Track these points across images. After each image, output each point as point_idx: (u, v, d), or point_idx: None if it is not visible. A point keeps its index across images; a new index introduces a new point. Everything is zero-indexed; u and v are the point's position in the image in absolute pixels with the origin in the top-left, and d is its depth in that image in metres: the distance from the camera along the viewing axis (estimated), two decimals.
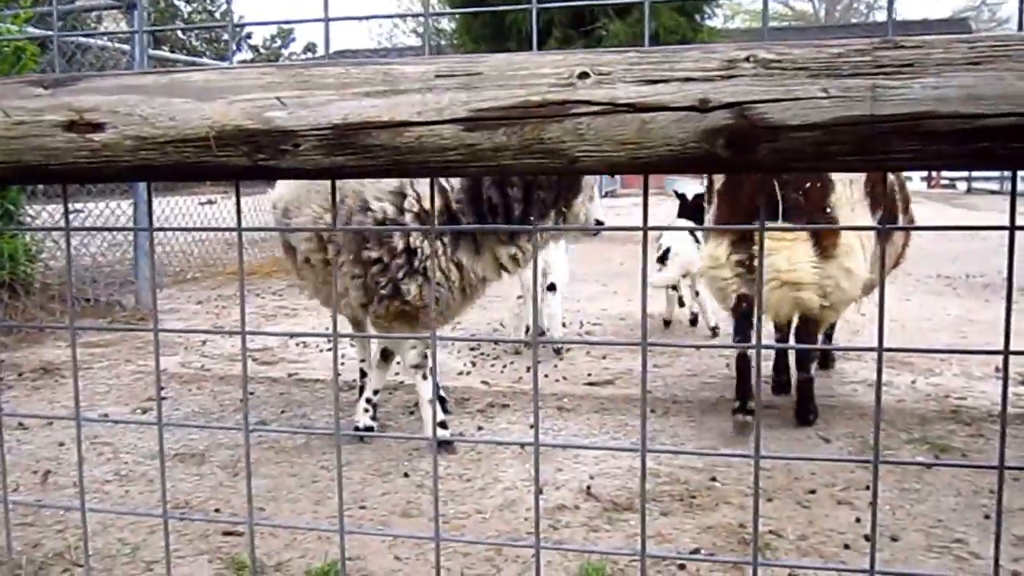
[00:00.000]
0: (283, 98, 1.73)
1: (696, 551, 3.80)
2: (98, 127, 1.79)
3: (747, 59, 1.59)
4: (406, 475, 4.68)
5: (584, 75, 1.63)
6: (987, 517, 4.16)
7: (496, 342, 6.93)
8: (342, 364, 7.08)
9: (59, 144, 1.81)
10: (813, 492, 4.42)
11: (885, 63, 1.53)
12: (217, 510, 4.29)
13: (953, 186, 37.30)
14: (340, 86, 1.71)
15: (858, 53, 1.55)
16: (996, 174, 36.04)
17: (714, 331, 8.59)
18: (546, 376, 6.80)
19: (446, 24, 23.56)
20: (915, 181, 37.83)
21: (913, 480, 4.56)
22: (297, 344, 8.02)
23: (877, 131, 1.53)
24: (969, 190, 35.06)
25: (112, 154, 1.80)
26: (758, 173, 1.71)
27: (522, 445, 4.41)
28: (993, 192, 34.10)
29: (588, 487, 4.49)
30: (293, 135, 1.72)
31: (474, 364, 7.27)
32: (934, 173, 37.39)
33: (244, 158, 1.75)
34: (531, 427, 5.46)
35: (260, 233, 14.63)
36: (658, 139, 1.61)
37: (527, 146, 1.65)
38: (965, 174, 37.06)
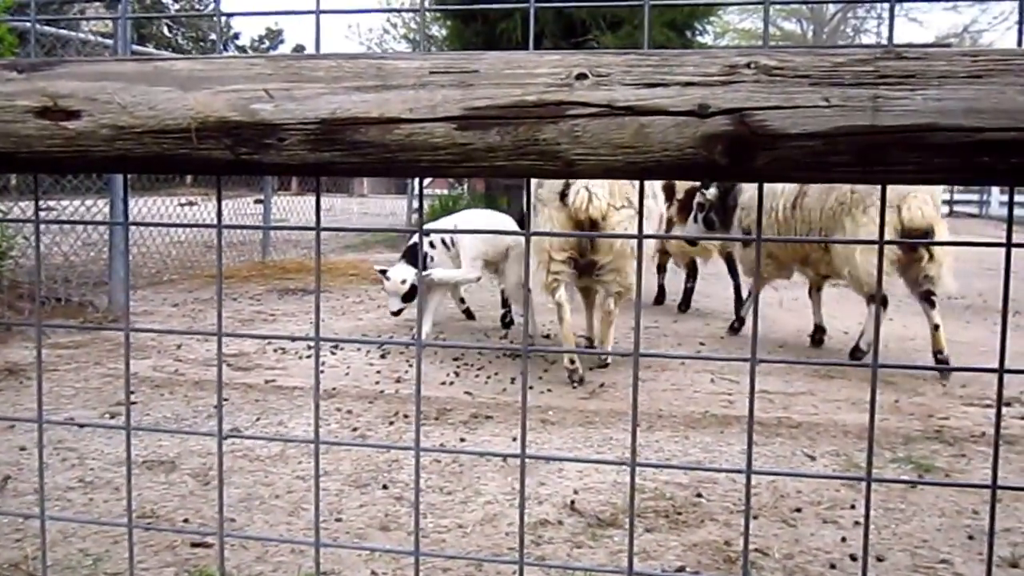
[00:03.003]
0: (270, 90, 1.70)
1: (681, 569, 3.76)
2: (73, 114, 1.76)
3: (748, 65, 1.57)
4: (385, 487, 4.62)
5: (582, 76, 1.61)
6: (971, 538, 4.15)
7: (506, 334, 6.90)
8: (322, 372, 7.04)
9: (31, 131, 1.78)
10: (799, 510, 4.40)
11: (887, 73, 1.52)
12: (186, 520, 4.19)
13: None
14: (330, 79, 1.69)
15: (860, 63, 1.54)
16: (975, 198, 36.21)
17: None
18: (531, 388, 6.76)
19: (437, 31, 23.60)
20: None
21: (897, 500, 4.55)
22: (275, 350, 7.96)
23: (877, 142, 1.52)
24: (951, 213, 35.16)
25: (87, 143, 1.76)
26: (756, 182, 1.68)
27: (505, 456, 4.37)
28: (972, 215, 34.21)
29: (572, 502, 4.45)
30: (278, 129, 1.69)
31: (457, 374, 7.24)
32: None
33: (226, 151, 1.72)
34: (515, 439, 5.48)
35: (239, 236, 14.63)
36: (656, 144, 1.59)
37: (521, 147, 1.63)
38: (946, 197, 37.14)
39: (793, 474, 3.23)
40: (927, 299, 7.73)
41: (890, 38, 1.73)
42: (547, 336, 8.81)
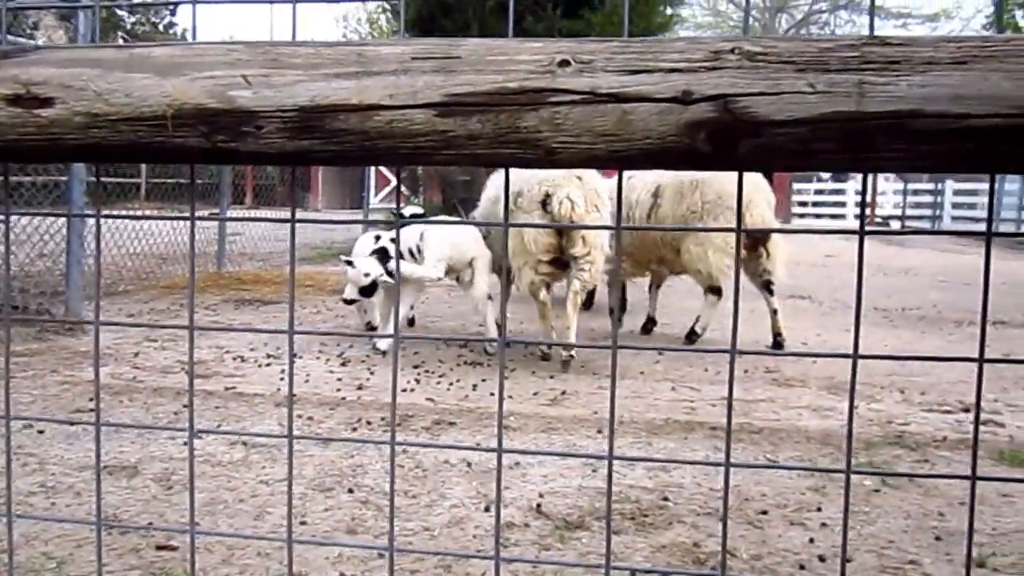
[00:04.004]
0: (248, 76, 1.67)
1: (650, 571, 3.76)
2: (46, 102, 1.73)
3: (733, 51, 1.56)
4: (350, 491, 4.58)
5: (565, 63, 1.59)
6: (938, 539, 4.15)
7: (465, 342, 6.89)
8: (282, 379, 7.01)
9: (2, 119, 1.75)
10: (765, 513, 4.39)
11: (873, 59, 1.51)
12: (150, 524, 4.16)
13: (887, 224, 37.59)
14: (309, 66, 1.67)
15: (846, 48, 1.53)
16: (928, 212, 36.42)
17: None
18: (492, 394, 6.73)
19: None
20: (848, 218, 38.13)
21: (862, 503, 4.55)
22: (234, 358, 7.88)
23: (863, 128, 1.51)
24: (903, 228, 35.40)
25: (60, 131, 1.73)
26: (740, 170, 1.67)
27: (482, 451, 4.35)
28: (926, 231, 34.43)
29: (538, 505, 4.42)
30: (256, 116, 1.67)
31: (418, 381, 7.18)
32: (867, 210, 37.67)
33: (202, 139, 1.70)
34: (478, 444, 5.44)
35: (197, 247, 14.55)
36: (639, 131, 1.57)
37: (502, 135, 1.62)
38: (898, 212, 37.36)
39: (773, 466, 3.23)
40: (767, 287, 9.23)
41: (871, 25, 1.72)
42: (508, 345, 8.80)
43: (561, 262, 8.09)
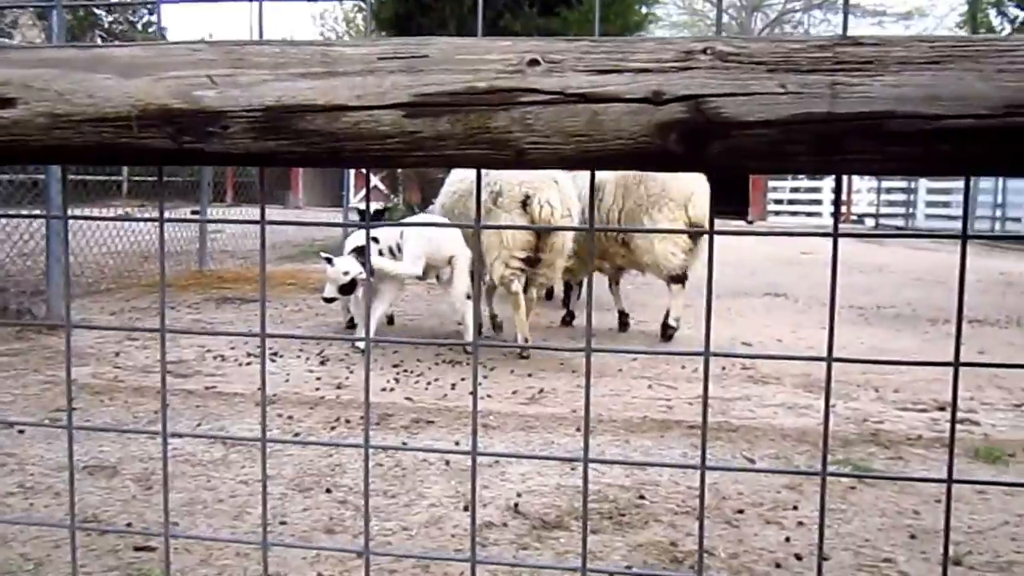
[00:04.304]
0: (214, 76, 1.63)
1: (628, 568, 3.73)
2: (8, 103, 1.68)
3: (704, 51, 1.53)
4: (328, 491, 4.55)
5: (534, 62, 1.56)
6: (913, 537, 4.14)
7: (439, 345, 6.89)
8: (271, 374, 6.97)
9: None
10: (741, 512, 4.37)
11: (845, 59, 1.48)
12: (129, 525, 4.11)
13: (861, 222, 37.63)
14: (275, 65, 1.62)
15: (817, 48, 1.49)
16: (902, 211, 36.46)
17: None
18: (471, 393, 6.66)
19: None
20: (825, 216, 38.21)
21: (838, 501, 4.54)
22: (215, 357, 7.84)
23: (835, 130, 1.48)
24: (876, 226, 35.46)
25: (23, 132, 1.68)
26: (711, 172, 1.64)
27: (457, 453, 4.32)
28: (899, 229, 34.39)
29: (516, 504, 4.40)
30: (222, 116, 1.62)
31: (397, 380, 7.15)
32: (843, 208, 37.83)
33: (168, 140, 1.65)
34: (456, 443, 5.43)
35: (176, 246, 14.50)
36: (609, 132, 1.54)
37: (472, 136, 1.58)
38: (873, 210, 37.42)
39: (748, 470, 3.21)
40: (680, 280, 9.50)
41: (844, 24, 1.69)
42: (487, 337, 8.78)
43: (531, 260, 8.53)
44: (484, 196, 8.32)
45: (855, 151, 1.48)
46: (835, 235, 1.79)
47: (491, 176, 8.39)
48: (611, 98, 1.53)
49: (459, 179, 9.36)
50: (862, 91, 1.46)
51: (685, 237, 9.30)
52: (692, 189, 9.23)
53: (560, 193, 8.41)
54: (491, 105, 1.56)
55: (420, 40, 1.62)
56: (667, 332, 9.32)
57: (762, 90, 1.49)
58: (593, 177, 1.85)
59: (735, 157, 1.53)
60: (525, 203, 8.26)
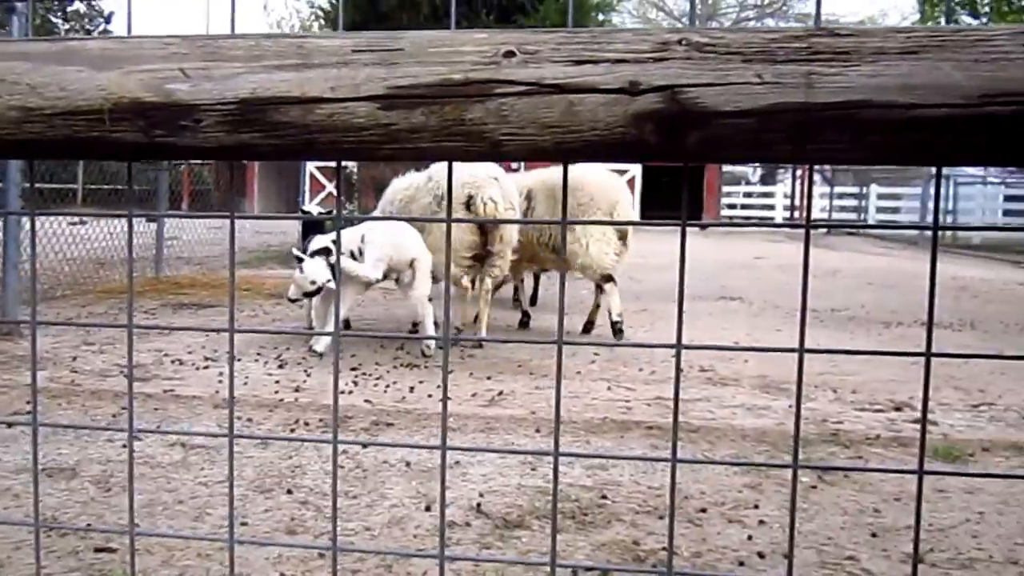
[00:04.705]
0: (186, 69, 1.60)
1: (590, 569, 3.73)
2: None
3: (680, 42, 1.51)
4: (289, 492, 4.52)
5: (510, 54, 1.54)
6: (874, 535, 4.15)
7: (407, 339, 6.89)
8: (220, 382, 6.94)
9: None
10: (704, 511, 4.37)
11: (821, 50, 1.47)
12: (88, 526, 4.07)
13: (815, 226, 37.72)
14: (250, 58, 1.60)
15: (793, 39, 1.48)
16: (853, 216, 36.69)
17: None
18: (429, 396, 6.69)
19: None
20: (777, 220, 38.40)
21: (800, 499, 4.53)
22: (172, 361, 7.79)
23: (811, 119, 1.47)
24: (828, 231, 35.64)
25: None
26: (687, 162, 1.63)
27: (426, 448, 4.31)
28: (850, 233, 34.56)
29: (478, 504, 4.38)
30: (195, 109, 1.60)
31: (356, 383, 7.11)
32: (796, 212, 38.00)
33: (140, 134, 1.63)
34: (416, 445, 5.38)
35: (135, 251, 14.42)
36: (585, 123, 1.52)
37: (447, 128, 1.56)
38: (825, 214, 37.60)
39: (723, 462, 3.20)
40: (611, 279, 9.83)
41: (817, 16, 1.68)
42: (455, 344, 8.77)
43: (479, 257, 9.06)
44: (428, 199, 9.01)
45: (831, 140, 1.48)
46: (807, 226, 1.78)
47: (434, 180, 9.05)
48: (587, 88, 1.52)
49: (403, 187, 9.63)
50: (838, 81, 1.45)
51: (616, 240, 9.70)
52: (617, 197, 9.74)
53: (501, 188, 8.88)
54: (466, 97, 1.55)
55: (394, 33, 1.60)
56: (617, 328, 9.51)
57: (739, 80, 1.48)
58: (566, 170, 1.84)
59: (712, 147, 1.52)
60: (468, 203, 8.69)
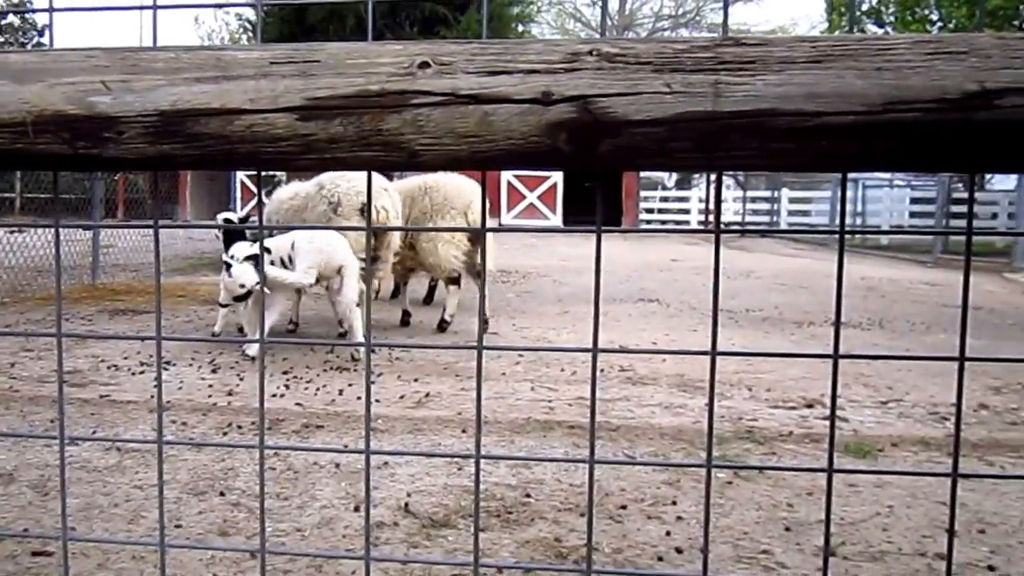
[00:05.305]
0: (108, 82, 1.57)
1: (516, 563, 3.71)
2: None
3: (591, 52, 1.50)
4: (222, 494, 4.47)
5: (425, 65, 1.52)
6: (788, 529, 4.16)
7: (334, 345, 6.85)
8: (155, 386, 6.87)
9: None
10: (624, 507, 4.37)
11: (728, 59, 1.47)
12: (26, 530, 4.01)
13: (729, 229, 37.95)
14: (170, 71, 1.57)
15: (701, 49, 1.48)
16: (766, 219, 36.92)
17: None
18: (359, 398, 6.65)
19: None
20: (692, 223, 38.59)
21: (716, 495, 4.55)
22: (108, 367, 7.69)
23: (719, 128, 1.46)
24: (742, 234, 35.85)
25: None
26: (600, 170, 1.61)
27: (350, 452, 4.28)
28: (763, 234, 34.70)
29: (406, 504, 4.35)
30: (117, 122, 1.57)
31: (287, 387, 7.06)
32: (711, 216, 38.19)
33: (64, 145, 1.59)
34: (346, 446, 5.39)
35: (69, 260, 14.29)
36: (500, 132, 1.50)
37: (365, 138, 1.54)
38: (739, 218, 37.83)
39: (636, 463, 3.19)
40: (480, 275, 10.37)
41: (724, 26, 1.67)
42: (373, 351, 8.73)
43: (373, 259, 9.34)
44: (324, 207, 9.22)
45: (738, 148, 1.47)
46: (717, 231, 1.77)
47: (327, 188, 9.29)
48: (501, 99, 1.50)
49: (289, 197, 9.86)
50: (745, 90, 1.44)
51: (465, 241, 10.18)
52: (470, 199, 10.26)
53: (391, 198, 9.46)
54: (383, 108, 1.53)
55: (312, 45, 1.58)
56: (443, 326, 10.17)
57: (648, 90, 1.47)
58: (484, 178, 1.82)
59: (623, 155, 1.50)
60: (363, 210, 9.02)
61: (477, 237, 10.20)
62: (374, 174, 1.78)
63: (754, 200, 38.51)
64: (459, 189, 10.30)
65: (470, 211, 10.20)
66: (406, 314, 10.78)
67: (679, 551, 3.87)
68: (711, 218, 37.43)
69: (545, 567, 3.68)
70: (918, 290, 15.24)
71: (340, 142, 1.55)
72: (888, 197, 33.69)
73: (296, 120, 1.55)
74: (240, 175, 30.08)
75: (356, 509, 4.30)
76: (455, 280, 10.20)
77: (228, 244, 9.17)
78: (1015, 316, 12.07)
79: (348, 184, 9.19)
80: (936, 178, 25.90)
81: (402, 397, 6.75)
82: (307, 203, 9.52)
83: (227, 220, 10.23)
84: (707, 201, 39.31)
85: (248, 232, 9.31)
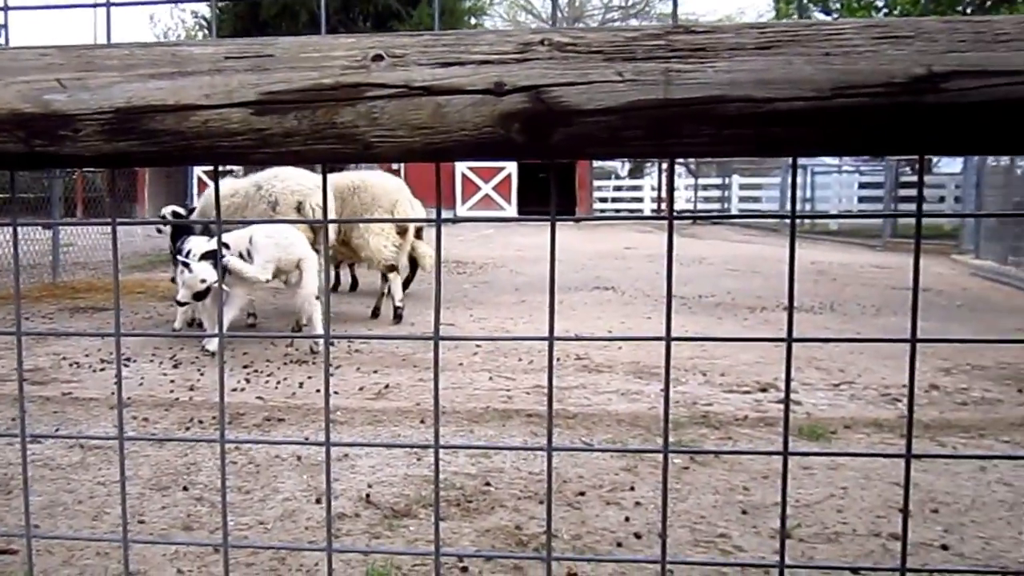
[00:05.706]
0: (63, 80, 1.55)
1: (477, 552, 3.71)
2: None
3: (542, 42, 1.48)
4: (185, 488, 4.46)
5: (378, 57, 1.50)
6: (745, 512, 4.19)
7: (294, 339, 6.80)
8: (116, 382, 6.84)
9: None
10: (582, 494, 4.37)
11: (679, 47, 1.44)
12: None
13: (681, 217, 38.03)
14: (124, 67, 1.54)
15: (652, 37, 1.46)
16: (717, 205, 37.03)
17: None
18: (318, 391, 6.63)
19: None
20: (646, 211, 38.65)
21: (673, 480, 4.56)
22: (70, 364, 7.65)
23: (670, 115, 1.44)
24: (694, 221, 35.95)
25: None
26: (554, 159, 1.60)
27: (311, 444, 4.26)
28: (715, 223, 34.81)
29: (367, 495, 4.34)
30: (73, 119, 1.54)
31: (248, 380, 7.03)
32: (663, 204, 38.30)
33: (20, 144, 1.57)
34: (307, 438, 5.35)
35: (29, 258, 14.19)
36: (453, 123, 1.49)
37: (319, 131, 1.52)
38: (690, 205, 37.92)
39: (594, 449, 3.18)
40: (416, 264, 11.70)
41: (674, 13, 1.66)
42: (332, 344, 8.72)
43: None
44: (263, 206, 9.43)
45: (689, 135, 1.46)
46: (670, 218, 1.77)
47: (264, 188, 9.59)
48: (454, 90, 1.49)
49: (228, 194, 9.84)
50: (695, 77, 1.43)
51: (395, 234, 10.57)
52: (396, 197, 10.71)
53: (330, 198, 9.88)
54: (337, 101, 1.51)
55: (266, 40, 1.56)
56: (398, 313, 10.35)
57: (600, 78, 1.45)
58: (439, 170, 1.80)
59: (576, 144, 1.49)
60: (299, 207, 9.46)
61: (404, 229, 10.78)
62: (307, 172, 1.78)
63: (706, 187, 38.60)
64: (385, 188, 10.75)
65: (396, 209, 10.54)
66: (377, 309, 10.94)
67: (638, 536, 3.88)
68: (664, 206, 37.55)
69: (506, 555, 3.68)
70: (868, 273, 15.32)
71: (295, 136, 1.53)
72: (837, 183, 33.80)
73: (251, 115, 1.53)
74: (197, 170, 29.90)
75: (318, 501, 4.29)
76: (392, 268, 10.47)
77: (175, 239, 9.15)
78: (963, 297, 12.16)
79: (283, 184, 9.55)
80: (884, 162, 25.98)
81: (361, 389, 6.75)
82: (247, 201, 9.69)
83: (174, 213, 10.28)
84: (659, 189, 39.39)
85: (196, 227, 9.27)
